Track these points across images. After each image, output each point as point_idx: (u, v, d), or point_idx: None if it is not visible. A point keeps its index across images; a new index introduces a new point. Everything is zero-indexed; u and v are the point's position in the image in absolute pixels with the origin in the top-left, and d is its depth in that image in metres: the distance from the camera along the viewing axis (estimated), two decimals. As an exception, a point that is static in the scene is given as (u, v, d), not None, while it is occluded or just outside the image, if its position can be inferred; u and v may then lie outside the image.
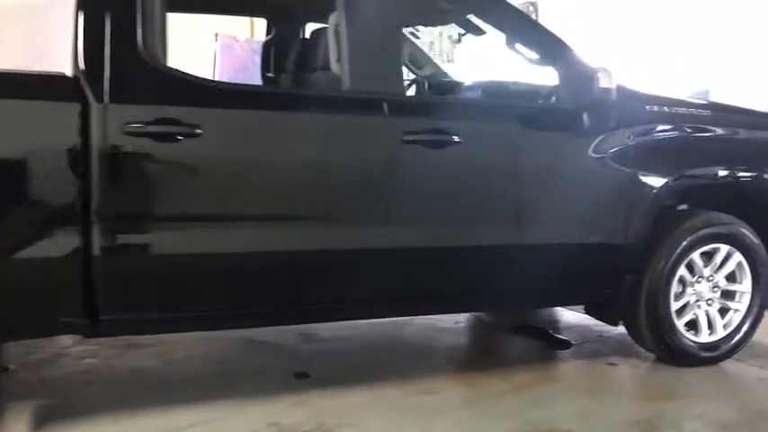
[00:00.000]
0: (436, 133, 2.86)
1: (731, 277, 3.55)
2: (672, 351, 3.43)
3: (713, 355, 3.51)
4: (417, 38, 4.28)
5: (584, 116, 3.11)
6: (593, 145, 3.15)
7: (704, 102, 3.55)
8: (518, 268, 3.09)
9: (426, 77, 4.28)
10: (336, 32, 2.86)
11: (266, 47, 4.06)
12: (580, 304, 3.54)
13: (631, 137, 3.22)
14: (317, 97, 2.92)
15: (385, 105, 2.79)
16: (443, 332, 3.99)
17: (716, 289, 3.51)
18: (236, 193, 2.65)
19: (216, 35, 6.56)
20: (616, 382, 3.33)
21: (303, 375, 3.24)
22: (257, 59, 4.34)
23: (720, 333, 3.52)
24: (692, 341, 3.47)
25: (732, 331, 3.54)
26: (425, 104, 3.01)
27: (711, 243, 3.43)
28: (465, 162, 2.92)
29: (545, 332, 3.98)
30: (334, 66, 2.87)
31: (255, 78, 4.42)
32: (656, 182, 3.26)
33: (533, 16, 12.93)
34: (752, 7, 10.02)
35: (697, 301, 3.47)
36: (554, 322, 4.24)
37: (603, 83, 2.91)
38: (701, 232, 3.39)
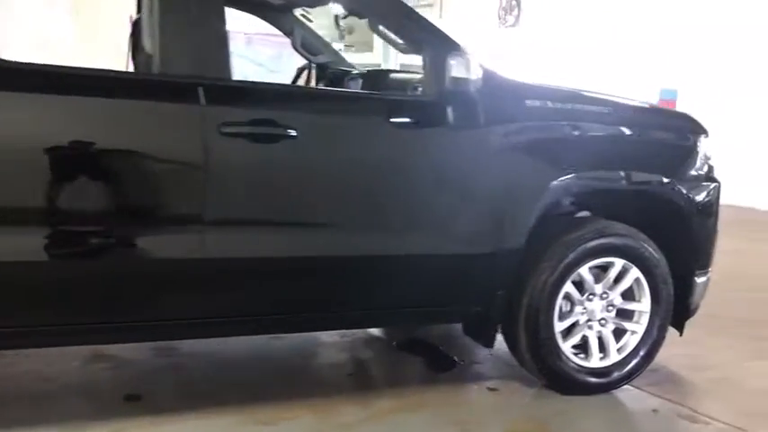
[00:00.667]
0: (264, 125, 2.48)
1: (628, 295, 3.18)
2: (556, 377, 3.06)
3: (605, 381, 3.13)
4: (310, 21, 3.88)
5: (447, 110, 2.73)
6: (457, 143, 2.77)
7: (602, 97, 3.16)
8: (364, 282, 2.72)
9: (320, 65, 3.92)
10: (151, 6, 2.48)
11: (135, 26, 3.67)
12: (448, 322, 3.17)
13: (505, 135, 2.84)
14: (115, 79, 2.50)
15: (200, 91, 2.40)
16: (322, 347, 3.62)
17: (610, 308, 3.13)
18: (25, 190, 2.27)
19: (131, 17, 6.14)
20: (488, 411, 2.96)
21: (134, 398, 2.87)
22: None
23: (614, 357, 3.14)
24: (580, 366, 3.09)
25: (628, 355, 3.16)
26: (254, 92, 2.63)
27: (603, 256, 3.05)
28: (299, 160, 2.54)
29: (433, 349, 3.61)
30: (146, 45, 2.49)
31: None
32: (533, 187, 2.89)
33: (515, 11, 12.57)
34: (722, 9, 9.71)
35: (588, 321, 3.10)
36: (451, 337, 3.85)
37: (456, 72, 2.52)
38: (591, 244, 3.01)
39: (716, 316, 4.31)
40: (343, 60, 4.00)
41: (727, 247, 6.59)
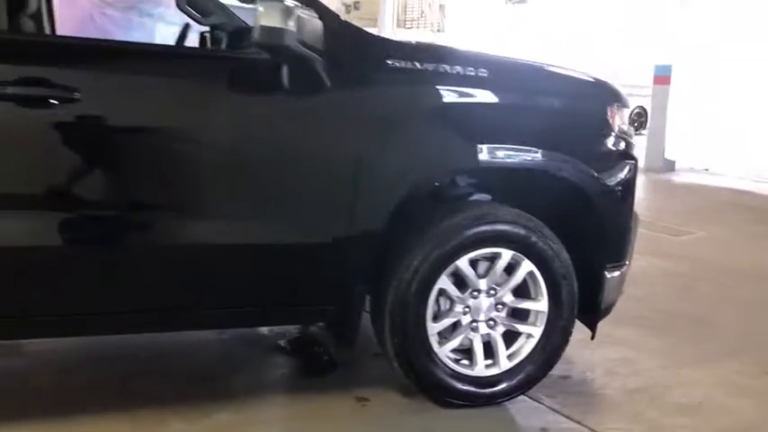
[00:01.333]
0: (35, 86, 2.05)
1: (524, 293, 2.72)
2: (431, 386, 2.61)
3: (492, 392, 2.68)
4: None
5: (282, 70, 2.27)
6: (293, 110, 2.32)
7: (487, 58, 2.67)
8: (178, 277, 2.29)
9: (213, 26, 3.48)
10: None
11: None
12: (302, 323, 2.72)
13: (356, 101, 2.37)
14: None
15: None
16: (184, 347, 3.19)
17: (500, 307, 2.67)
18: None
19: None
20: (340, 427, 2.51)
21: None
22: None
23: (504, 364, 2.68)
24: (461, 374, 2.64)
25: (521, 362, 2.70)
26: (22, 45, 2.19)
27: (485, 247, 2.58)
28: (83, 128, 2.11)
29: (319, 348, 3.17)
30: None
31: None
32: (390, 165, 2.42)
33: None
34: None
35: (473, 322, 2.64)
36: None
37: (267, 20, 2.05)
38: (469, 232, 2.54)
39: (668, 312, 3.85)
40: (238, 22, 3.55)
41: (709, 233, 6.24)
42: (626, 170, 2.78)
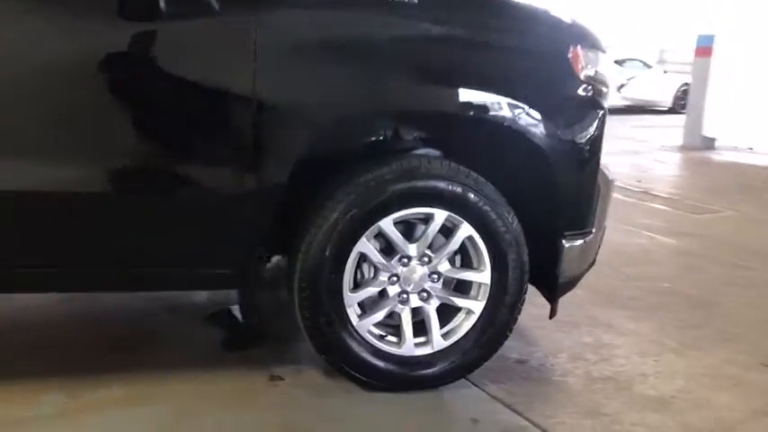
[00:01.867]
0: None
1: (467, 262, 2.34)
2: (349, 365, 2.27)
3: (424, 374, 2.32)
4: None
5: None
6: (175, 38, 1.99)
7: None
8: (49, 227, 2.00)
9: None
10: None
11: None
12: (195, 288, 2.39)
13: (251, 27, 2.01)
14: None
15: None
16: (104, 315, 2.91)
17: (435, 277, 2.30)
18: None
19: None
20: (236, 409, 2.19)
21: None
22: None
23: (438, 343, 2.32)
24: (386, 353, 2.29)
25: (459, 342, 2.34)
26: None
27: (416, 206, 2.22)
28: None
29: (250, 319, 2.87)
30: None
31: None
32: (297, 106, 2.07)
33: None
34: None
35: (402, 294, 2.28)
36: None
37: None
38: (395, 188, 2.18)
39: (665, 293, 3.42)
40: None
41: (737, 213, 5.67)
42: (590, 123, 2.37)
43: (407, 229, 2.29)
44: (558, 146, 2.29)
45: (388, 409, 2.21)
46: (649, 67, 16.18)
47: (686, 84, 14.09)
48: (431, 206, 2.22)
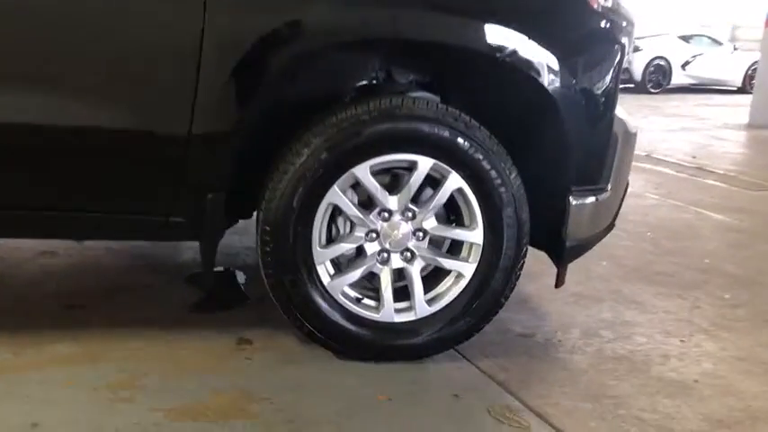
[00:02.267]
0: None
1: (459, 219, 2.07)
2: (318, 330, 2.02)
3: (405, 344, 2.06)
4: None
5: None
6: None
7: None
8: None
9: None
10: None
11: None
12: (149, 238, 2.16)
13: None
14: None
15: None
16: (79, 268, 2.74)
17: (420, 235, 2.03)
18: None
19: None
20: (188, 376, 1.96)
21: None
22: None
23: (422, 310, 2.04)
24: (362, 318, 2.03)
25: (446, 309, 2.06)
26: None
27: (396, 152, 1.95)
28: None
29: (231, 280, 2.66)
30: None
31: None
32: (253, 32, 1.81)
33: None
34: None
35: (381, 252, 2.02)
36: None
37: None
38: (370, 131, 1.91)
39: (704, 270, 3.08)
40: None
41: None
42: (606, 62, 2.05)
43: (394, 181, 2.02)
44: (568, 87, 1.98)
45: (360, 381, 1.96)
46: (719, 44, 15.33)
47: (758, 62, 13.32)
48: (413, 152, 1.94)
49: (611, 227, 2.34)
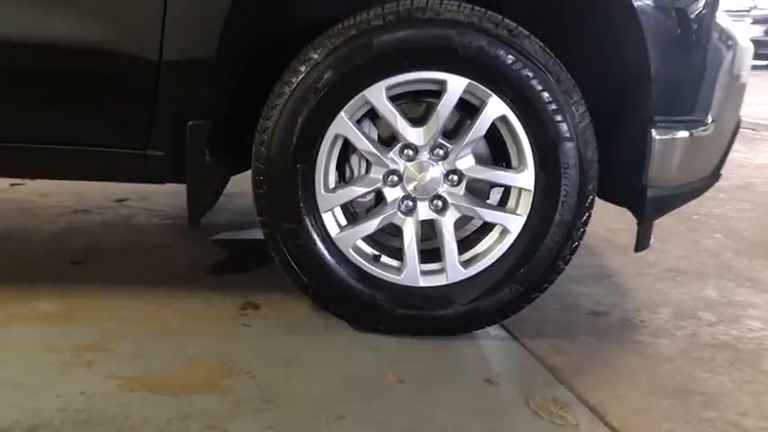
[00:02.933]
0: None
1: (497, 156, 1.63)
2: (325, 293, 1.65)
3: (436, 315, 1.64)
4: None
5: None
6: None
7: None
8: None
9: None
10: None
11: None
12: (126, 178, 1.81)
13: None
14: None
15: None
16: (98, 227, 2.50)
17: (454, 178, 1.61)
18: None
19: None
20: (169, 339, 1.63)
21: None
22: None
23: (455, 273, 1.62)
24: (378, 280, 1.64)
25: (487, 272, 1.63)
26: None
27: (416, 69, 1.53)
28: None
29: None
30: None
31: None
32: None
33: None
34: None
35: (405, 199, 1.61)
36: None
37: None
38: (382, 40, 1.50)
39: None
40: None
41: None
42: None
43: (427, 113, 1.61)
44: None
45: (371, 357, 1.57)
46: None
47: None
48: (441, 69, 1.52)
49: (715, 176, 1.82)
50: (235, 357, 1.55)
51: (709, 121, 1.64)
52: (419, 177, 1.60)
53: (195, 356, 1.55)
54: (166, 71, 1.52)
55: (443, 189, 1.61)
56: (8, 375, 1.45)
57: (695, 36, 1.55)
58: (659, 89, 1.55)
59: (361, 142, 1.57)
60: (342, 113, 1.54)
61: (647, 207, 1.63)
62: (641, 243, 1.70)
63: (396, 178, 1.60)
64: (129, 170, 1.65)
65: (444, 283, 1.63)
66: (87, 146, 1.61)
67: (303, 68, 1.52)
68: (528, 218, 1.60)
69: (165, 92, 1.54)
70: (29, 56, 1.55)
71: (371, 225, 1.62)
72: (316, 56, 1.51)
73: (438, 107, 1.55)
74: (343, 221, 1.65)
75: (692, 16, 1.54)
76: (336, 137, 1.57)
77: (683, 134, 1.60)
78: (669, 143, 1.58)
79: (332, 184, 1.62)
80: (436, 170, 1.60)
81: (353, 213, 1.67)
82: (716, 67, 1.61)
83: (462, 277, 1.63)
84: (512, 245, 1.61)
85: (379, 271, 1.64)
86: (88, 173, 1.72)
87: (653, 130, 1.56)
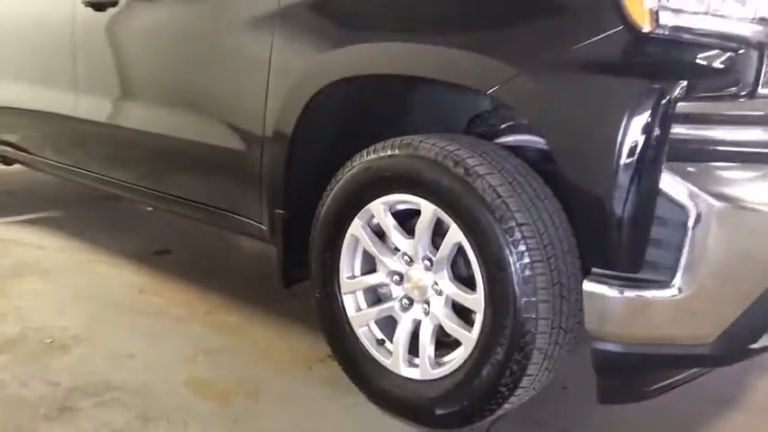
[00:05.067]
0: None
1: (468, 279, 1.79)
2: (346, 365, 2.04)
3: (414, 405, 1.88)
4: None
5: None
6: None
7: None
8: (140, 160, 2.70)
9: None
10: None
11: None
12: (252, 236, 2.35)
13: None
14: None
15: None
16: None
17: (435, 287, 1.84)
18: None
19: None
20: (252, 371, 2.22)
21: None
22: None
23: (426, 371, 1.85)
24: (379, 363, 1.95)
25: (449, 377, 1.81)
26: None
27: (399, 192, 1.83)
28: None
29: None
30: None
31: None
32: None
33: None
34: None
35: (404, 298, 1.91)
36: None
37: None
38: (376, 165, 1.85)
39: None
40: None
41: None
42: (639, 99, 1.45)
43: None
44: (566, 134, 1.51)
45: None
46: None
47: None
48: (417, 195, 1.79)
49: (735, 348, 1.57)
50: (255, 382, 2.08)
51: (674, 286, 1.49)
52: (413, 281, 1.87)
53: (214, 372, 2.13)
54: (266, 171, 2.15)
55: (431, 295, 1.85)
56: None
57: (639, 187, 1.47)
58: (589, 242, 1.52)
59: (368, 245, 1.93)
60: (356, 219, 1.92)
61: (593, 359, 1.58)
62: (604, 396, 1.62)
63: (398, 278, 1.91)
64: (251, 232, 2.31)
65: (418, 378, 1.86)
66: (224, 210, 2.36)
67: (334, 181, 1.95)
68: (478, 339, 1.72)
69: (263, 182, 2.17)
70: (174, 145, 2.42)
71: (373, 311, 1.95)
72: (341, 174, 1.94)
73: (417, 224, 1.81)
74: (364, 305, 2.01)
75: (634, 166, 1.46)
76: (353, 236, 1.95)
77: (615, 293, 1.51)
78: (593, 298, 1.53)
79: (352, 272, 1.99)
80: (428, 278, 1.85)
81: (375, 301, 2.01)
82: (679, 226, 1.46)
83: (431, 377, 1.83)
84: (464, 361, 1.75)
85: (375, 352, 1.94)
86: (225, 226, 2.47)
87: (584, 280, 1.54)
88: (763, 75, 1.48)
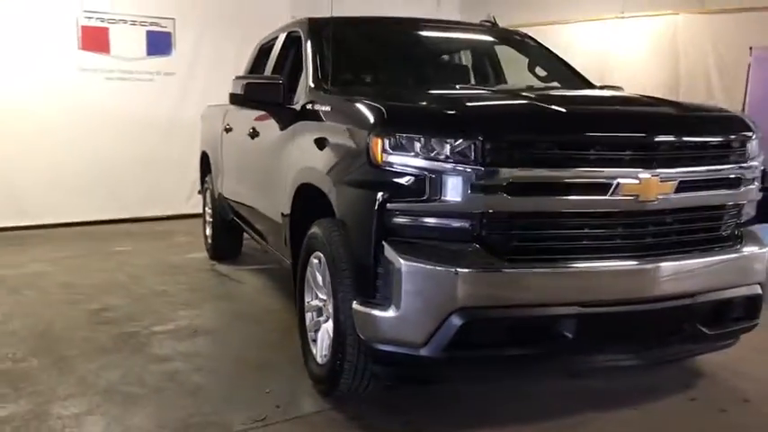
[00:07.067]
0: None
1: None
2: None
3: (323, 388, 2.90)
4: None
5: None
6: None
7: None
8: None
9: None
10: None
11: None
12: None
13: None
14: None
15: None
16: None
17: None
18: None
19: (750, 48, 6.01)
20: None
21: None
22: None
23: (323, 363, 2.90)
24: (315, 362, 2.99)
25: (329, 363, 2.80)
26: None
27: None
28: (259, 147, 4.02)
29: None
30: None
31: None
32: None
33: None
34: None
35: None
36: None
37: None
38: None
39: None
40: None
41: None
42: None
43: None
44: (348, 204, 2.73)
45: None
46: None
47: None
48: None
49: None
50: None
51: (390, 307, 2.37)
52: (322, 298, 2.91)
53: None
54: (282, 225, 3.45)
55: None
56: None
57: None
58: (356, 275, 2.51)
59: (309, 277, 2.99)
60: (313, 258, 2.96)
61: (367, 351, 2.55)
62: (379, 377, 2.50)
63: (319, 299, 2.95)
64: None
65: (324, 366, 2.87)
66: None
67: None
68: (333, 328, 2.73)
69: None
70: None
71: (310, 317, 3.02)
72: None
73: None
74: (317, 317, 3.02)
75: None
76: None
77: (377, 312, 2.42)
78: (360, 315, 2.47)
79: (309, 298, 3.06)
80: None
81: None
82: (392, 273, 2.36)
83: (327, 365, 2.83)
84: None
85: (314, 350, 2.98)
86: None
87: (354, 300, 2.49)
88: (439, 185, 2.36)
